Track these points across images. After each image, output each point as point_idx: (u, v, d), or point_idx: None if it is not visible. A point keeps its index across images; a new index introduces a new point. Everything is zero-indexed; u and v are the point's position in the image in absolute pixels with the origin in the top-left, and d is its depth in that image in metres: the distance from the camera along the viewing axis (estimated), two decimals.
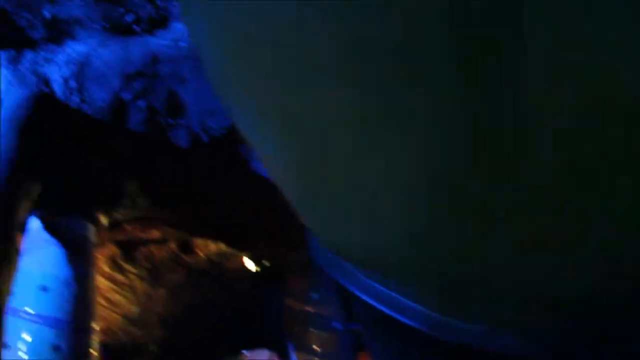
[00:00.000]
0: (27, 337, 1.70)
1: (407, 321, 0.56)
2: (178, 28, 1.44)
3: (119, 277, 3.12)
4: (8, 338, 1.65)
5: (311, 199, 0.54)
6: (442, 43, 0.30)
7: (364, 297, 0.61)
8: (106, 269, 3.04)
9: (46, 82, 1.57)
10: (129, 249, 3.03)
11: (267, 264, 3.18)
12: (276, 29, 0.36)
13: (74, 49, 1.50)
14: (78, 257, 1.82)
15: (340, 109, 0.37)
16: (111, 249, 3.02)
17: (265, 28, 0.37)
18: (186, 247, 3.11)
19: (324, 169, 0.45)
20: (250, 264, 3.22)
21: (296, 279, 2.92)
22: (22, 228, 1.77)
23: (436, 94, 0.33)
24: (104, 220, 1.94)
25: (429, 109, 0.34)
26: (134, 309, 3.17)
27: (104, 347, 2.27)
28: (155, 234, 2.73)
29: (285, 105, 0.42)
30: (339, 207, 0.49)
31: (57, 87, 1.58)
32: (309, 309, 2.66)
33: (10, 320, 1.65)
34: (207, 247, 3.15)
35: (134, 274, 3.15)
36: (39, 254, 1.78)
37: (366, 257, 0.56)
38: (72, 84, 1.57)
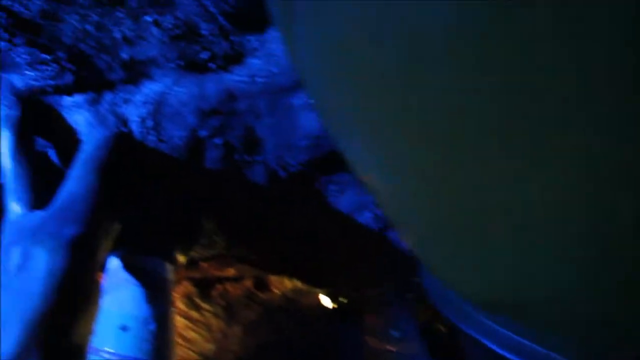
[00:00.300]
0: None
1: None
2: (254, 63, 1.43)
3: (194, 314, 3.13)
4: None
5: (440, 239, 0.48)
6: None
7: (484, 340, 0.56)
8: (182, 306, 3.05)
9: (124, 122, 1.59)
10: (204, 287, 3.03)
11: (343, 300, 3.12)
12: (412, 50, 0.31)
13: (151, 88, 1.51)
14: (157, 296, 1.82)
15: (486, 144, 0.33)
16: (187, 287, 3.03)
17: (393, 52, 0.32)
18: (261, 285, 3.09)
19: (465, 210, 0.40)
20: (326, 301, 3.17)
21: (375, 316, 2.86)
22: (102, 268, 1.77)
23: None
24: (181, 258, 1.94)
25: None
26: (209, 347, 3.16)
27: None
28: (230, 271, 2.72)
29: (416, 141, 0.38)
30: (476, 250, 0.44)
31: (135, 127, 1.59)
32: (389, 347, 2.59)
33: None
34: (283, 284, 3.12)
35: (209, 311, 3.15)
36: (118, 293, 1.79)
37: (493, 301, 0.51)
38: (149, 123, 1.57)
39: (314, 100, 0.51)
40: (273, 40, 1.40)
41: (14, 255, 1.41)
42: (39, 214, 1.45)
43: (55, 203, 1.46)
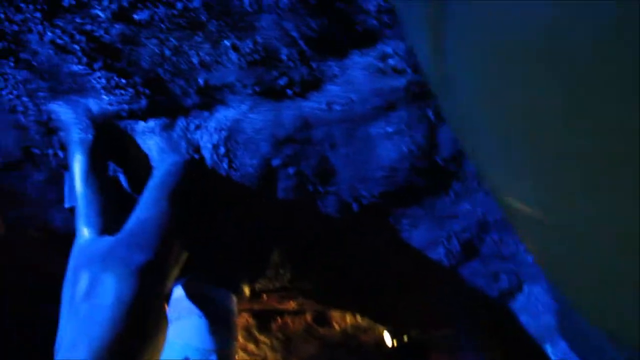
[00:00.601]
0: None
1: None
2: (332, 90, 1.38)
3: (252, 347, 3.08)
4: None
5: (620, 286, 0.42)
6: None
7: None
8: (240, 339, 3.00)
9: (196, 148, 1.56)
10: (264, 320, 2.99)
11: (407, 339, 3.02)
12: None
13: (225, 114, 1.48)
14: (221, 328, 1.77)
15: None
16: (246, 319, 2.99)
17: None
18: (322, 319, 3.03)
19: None
20: (389, 339, 3.08)
21: (442, 357, 2.75)
22: (168, 297, 1.74)
23: None
24: (246, 290, 1.89)
25: None
26: None
27: None
28: (291, 304, 2.66)
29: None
30: None
31: (207, 154, 1.57)
32: None
33: None
34: (344, 320, 3.05)
35: (267, 344, 3.09)
36: (182, 324, 1.75)
37: None
38: (221, 150, 1.54)
39: (460, 115, 0.45)
40: (354, 66, 1.35)
41: (82, 281, 1.39)
42: (108, 240, 1.42)
43: (125, 229, 1.43)
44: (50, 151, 1.64)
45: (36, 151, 1.64)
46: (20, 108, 1.53)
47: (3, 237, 1.87)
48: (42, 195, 1.77)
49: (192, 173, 1.56)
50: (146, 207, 1.47)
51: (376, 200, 1.64)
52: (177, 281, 1.79)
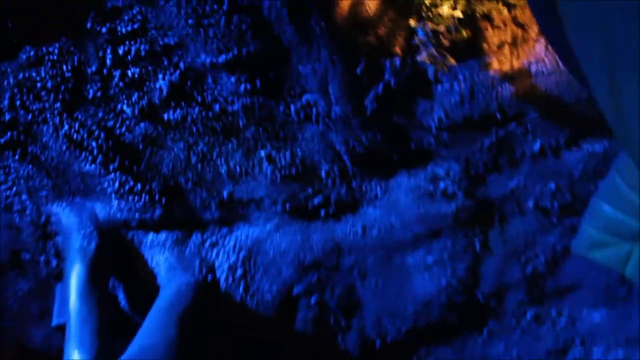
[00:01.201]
0: None
1: None
2: (370, 213, 1.25)
3: None
4: None
5: None
6: None
7: None
8: None
9: (210, 268, 1.40)
10: None
11: None
12: None
13: (247, 233, 1.34)
14: None
15: None
16: None
17: None
18: None
19: None
20: None
21: None
22: None
23: None
24: None
25: None
26: None
27: None
28: None
29: None
30: None
31: (221, 275, 1.40)
32: None
33: None
34: None
35: None
36: None
37: None
38: (238, 272, 1.39)
39: None
40: (399, 188, 1.23)
41: None
42: None
43: (124, 357, 1.24)
44: (43, 258, 1.46)
45: (26, 256, 1.46)
46: (17, 206, 1.37)
47: None
48: (24, 307, 1.57)
49: (204, 295, 1.38)
50: (150, 332, 1.28)
51: (402, 338, 1.47)
52: None
